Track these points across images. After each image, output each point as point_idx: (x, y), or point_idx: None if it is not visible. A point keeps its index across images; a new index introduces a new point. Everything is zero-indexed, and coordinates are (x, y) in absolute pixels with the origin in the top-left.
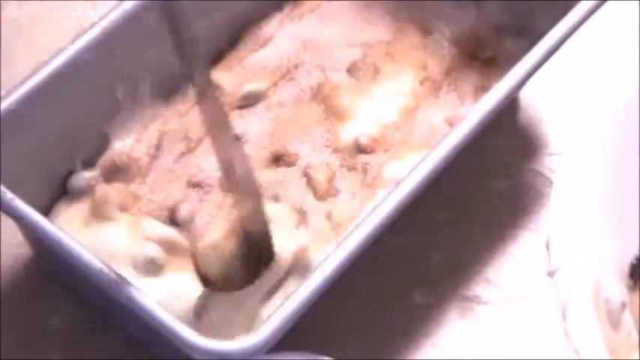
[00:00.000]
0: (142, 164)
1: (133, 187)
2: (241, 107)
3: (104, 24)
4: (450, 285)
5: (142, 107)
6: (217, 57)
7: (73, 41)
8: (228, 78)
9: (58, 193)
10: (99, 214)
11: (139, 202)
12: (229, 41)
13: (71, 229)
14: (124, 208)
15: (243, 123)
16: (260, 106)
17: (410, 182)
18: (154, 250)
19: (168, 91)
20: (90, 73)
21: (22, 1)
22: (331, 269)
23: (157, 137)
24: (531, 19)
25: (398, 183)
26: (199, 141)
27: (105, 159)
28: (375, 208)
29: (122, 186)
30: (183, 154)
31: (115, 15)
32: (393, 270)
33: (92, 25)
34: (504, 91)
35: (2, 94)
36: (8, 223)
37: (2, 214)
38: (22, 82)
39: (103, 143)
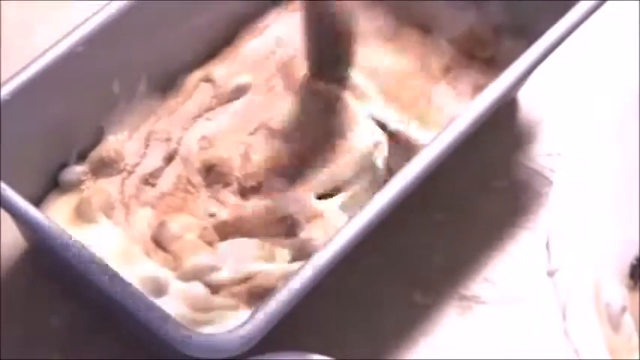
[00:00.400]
0: (128, 162)
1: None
2: (230, 100)
3: (100, 18)
4: (450, 285)
5: (138, 102)
6: (215, 55)
7: (68, 34)
8: (221, 70)
9: (51, 185)
10: (82, 215)
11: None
12: (227, 39)
13: (59, 222)
14: (106, 212)
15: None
16: (249, 94)
17: (405, 177)
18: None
19: (164, 87)
20: (85, 67)
21: (22, 1)
22: (321, 263)
23: (146, 136)
24: (530, 19)
25: (392, 178)
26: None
27: (94, 154)
28: (368, 203)
29: (107, 189)
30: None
31: (111, 9)
32: (393, 270)
33: (87, 19)
34: (499, 89)
35: None
36: (8, 223)
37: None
38: (17, 74)
39: (99, 137)
